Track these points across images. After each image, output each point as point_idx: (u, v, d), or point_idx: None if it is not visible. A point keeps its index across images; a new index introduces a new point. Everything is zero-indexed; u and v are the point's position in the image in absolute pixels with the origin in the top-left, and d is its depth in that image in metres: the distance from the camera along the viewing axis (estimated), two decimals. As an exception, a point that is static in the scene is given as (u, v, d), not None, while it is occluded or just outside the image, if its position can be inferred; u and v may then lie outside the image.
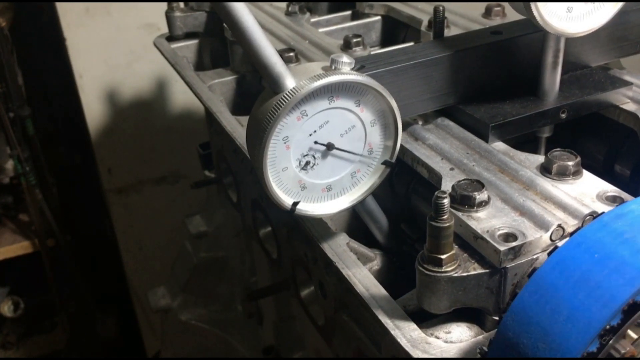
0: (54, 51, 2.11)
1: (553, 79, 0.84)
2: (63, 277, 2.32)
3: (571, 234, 0.64)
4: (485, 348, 0.60)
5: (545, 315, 0.53)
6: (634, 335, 0.52)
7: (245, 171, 1.14)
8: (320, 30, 1.22)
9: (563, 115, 0.85)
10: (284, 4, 1.30)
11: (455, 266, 0.62)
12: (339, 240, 0.78)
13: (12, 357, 2.36)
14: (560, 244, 0.63)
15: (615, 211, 0.56)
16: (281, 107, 0.63)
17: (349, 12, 1.36)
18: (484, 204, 0.68)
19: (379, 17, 1.29)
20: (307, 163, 0.69)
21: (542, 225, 0.65)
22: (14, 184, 2.16)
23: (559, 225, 0.64)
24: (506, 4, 1.16)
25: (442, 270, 0.61)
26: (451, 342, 0.65)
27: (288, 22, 1.25)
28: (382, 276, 0.79)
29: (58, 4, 1.86)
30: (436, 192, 0.59)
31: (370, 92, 0.68)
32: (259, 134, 0.65)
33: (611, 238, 0.53)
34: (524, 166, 0.75)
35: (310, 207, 0.72)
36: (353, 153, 0.71)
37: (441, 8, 0.91)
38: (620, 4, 0.78)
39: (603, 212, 0.59)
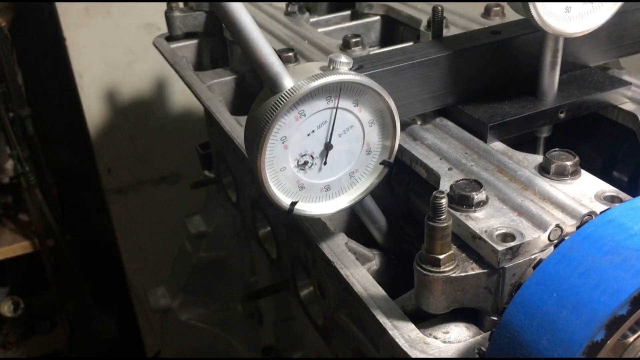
0: (54, 51, 2.11)
1: (552, 79, 0.84)
2: (63, 277, 2.32)
3: (566, 235, 0.64)
4: (483, 348, 0.60)
5: None
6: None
7: (244, 171, 1.14)
8: (320, 30, 1.22)
9: (562, 115, 0.85)
10: (283, 4, 1.30)
11: (454, 266, 0.62)
12: (337, 240, 0.78)
13: (12, 357, 2.36)
14: (547, 253, 0.63)
15: (575, 237, 0.55)
16: (279, 107, 0.63)
17: (348, 12, 1.36)
18: (482, 204, 0.68)
19: (378, 17, 1.29)
20: (305, 163, 0.69)
21: (540, 225, 0.65)
22: (14, 183, 2.16)
23: (557, 226, 0.64)
24: (505, 4, 1.16)
25: (440, 270, 0.61)
26: (449, 342, 0.65)
27: (287, 22, 1.25)
28: (381, 276, 0.79)
29: (58, 4, 1.86)
30: (434, 192, 0.59)
31: (368, 92, 0.68)
32: (257, 134, 0.65)
33: (569, 271, 0.52)
34: (523, 166, 0.75)
35: (309, 207, 0.72)
36: (351, 153, 0.71)
37: (440, 8, 0.91)
38: (618, 4, 0.78)
39: (603, 210, 0.59)
